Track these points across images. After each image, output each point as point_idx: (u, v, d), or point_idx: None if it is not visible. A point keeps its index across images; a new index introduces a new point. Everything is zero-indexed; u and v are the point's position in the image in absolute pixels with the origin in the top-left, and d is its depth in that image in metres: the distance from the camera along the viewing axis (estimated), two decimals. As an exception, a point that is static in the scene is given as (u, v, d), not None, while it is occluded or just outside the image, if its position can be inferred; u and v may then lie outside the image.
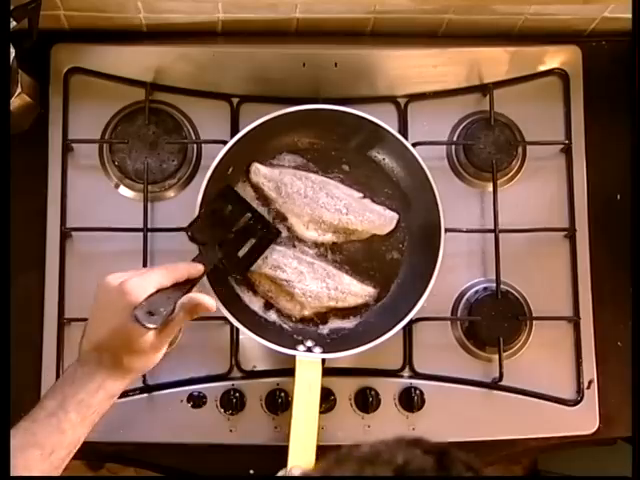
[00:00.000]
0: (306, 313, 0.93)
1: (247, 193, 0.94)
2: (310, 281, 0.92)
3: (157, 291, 0.73)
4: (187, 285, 0.77)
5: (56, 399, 0.72)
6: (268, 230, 0.91)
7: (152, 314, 0.71)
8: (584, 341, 0.96)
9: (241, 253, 0.89)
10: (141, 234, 0.94)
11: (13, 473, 0.66)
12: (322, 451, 0.82)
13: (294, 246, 0.94)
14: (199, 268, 0.79)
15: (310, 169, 0.95)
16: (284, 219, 0.94)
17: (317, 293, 0.92)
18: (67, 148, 0.96)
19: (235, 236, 0.88)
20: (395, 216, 0.94)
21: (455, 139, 0.99)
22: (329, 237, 0.94)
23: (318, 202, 0.92)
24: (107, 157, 0.97)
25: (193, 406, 0.92)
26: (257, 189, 0.94)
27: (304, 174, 0.94)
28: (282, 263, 0.91)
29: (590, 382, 0.96)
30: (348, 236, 0.94)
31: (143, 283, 0.72)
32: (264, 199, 0.94)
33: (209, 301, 0.76)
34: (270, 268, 0.91)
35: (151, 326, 0.70)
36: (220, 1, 0.93)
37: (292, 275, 0.91)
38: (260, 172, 0.93)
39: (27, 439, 0.69)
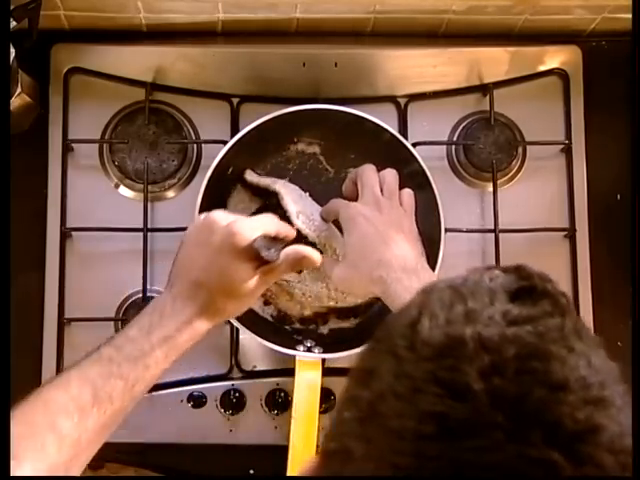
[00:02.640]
0: (306, 313, 0.93)
1: (245, 196, 0.94)
2: (310, 281, 0.92)
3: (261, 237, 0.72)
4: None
5: (143, 332, 0.70)
6: None
7: (269, 249, 0.70)
8: (584, 341, 0.96)
9: None
10: (141, 234, 0.94)
11: (96, 401, 0.66)
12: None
13: None
14: (292, 231, 0.78)
15: (310, 170, 0.95)
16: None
17: (317, 293, 0.92)
18: (67, 148, 0.96)
19: None
20: None
21: (455, 139, 0.99)
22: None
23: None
24: (107, 157, 0.97)
25: (193, 406, 0.92)
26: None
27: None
28: None
29: (590, 382, 0.96)
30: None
31: (252, 225, 0.71)
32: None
33: (316, 255, 0.75)
34: None
35: (273, 257, 0.70)
36: (220, 1, 0.93)
37: (292, 275, 0.91)
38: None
39: (112, 369, 0.68)
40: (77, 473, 0.67)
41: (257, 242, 0.70)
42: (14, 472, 0.60)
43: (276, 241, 0.74)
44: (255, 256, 0.72)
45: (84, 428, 0.65)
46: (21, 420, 0.64)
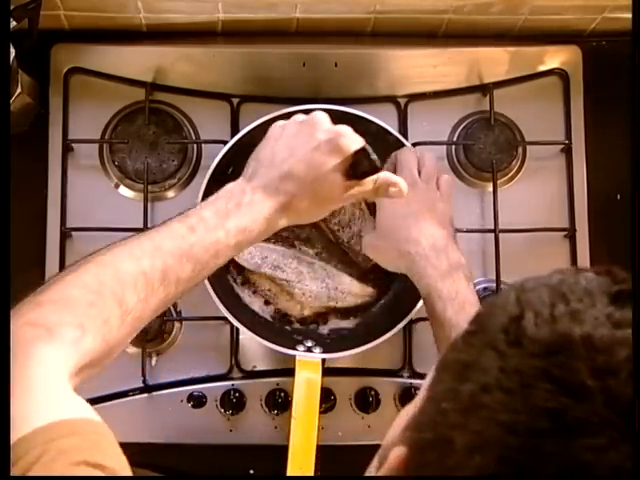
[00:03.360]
0: (306, 313, 0.93)
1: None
2: (310, 281, 0.92)
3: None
4: None
5: (218, 217, 0.67)
6: None
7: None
8: (584, 341, 0.96)
9: None
10: (141, 234, 0.94)
11: (164, 281, 0.63)
12: (322, 451, 0.82)
13: (293, 246, 0.94)
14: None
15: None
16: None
17: (317, 293, 0.92)
18: (67, 148, 0.96)
19: None
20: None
21: (455, 139, 0.99)
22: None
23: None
24: (107, 157, 0.97)
25: (193, 406, 0.92)
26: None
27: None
28: (281, 263, 0.91)
29: (590, 382, 0.96)
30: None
31: (356, 136, 0.71)
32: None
33: (404, 186, 0.73)
34: (269, 268, 0.91)
35: (377, 162, 0.70)
36: (220, 1, 0.93)
37: (292, 275, 0.91)
38: None
39: (183, 249, 0.65)
40: (118, 352, 0.63)
41: (362, 152, 0.69)
42: (78, 341, 0.56)
43: (372, 161, 0.73)
44: (349, 167, 0.71)
45: (147, 306, 0.62)
46: (89, 284, 0.60)
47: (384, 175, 0.73)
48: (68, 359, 0.55)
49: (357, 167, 0.71)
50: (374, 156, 0.72)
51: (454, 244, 0.83)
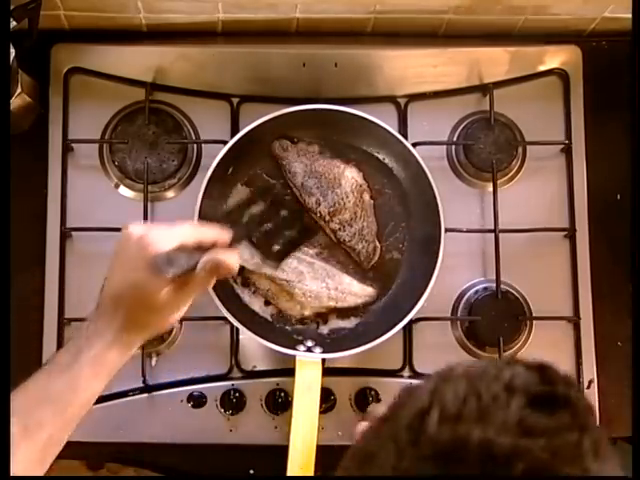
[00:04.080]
0: (306, 313, 0.93)
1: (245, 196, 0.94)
2: (310, 281, 0.92)
3: (180, 247, 0.69)
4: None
5: (70, 353, 0.69)
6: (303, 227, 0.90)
7: (171, 265, 0.67)
8: (584, 341, 0.96)
9: (275, 248, 0.87)
10: (141, 234, 0.94)
11: (26, 433, 0.64)
12: (322, 451, 0.82)
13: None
14: (226, 237, 0.73)
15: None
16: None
17: (317, 293, 0.92)
18: (67, 148, 0.96)
19: (268, 232, 0.86)
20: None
21: (455, 139, 0.99)
22: None
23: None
24: (107, 157, 0.97)
25: (193, 406, 0.92)
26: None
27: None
28: (282, 263, 0.91)
29: (590, 382, 0.96)
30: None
31: (166, 236, 0.69)
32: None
33: (232, 260, 0.71)
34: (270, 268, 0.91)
35: (169, 274, 0.67)
36: (220, 1, 0.93)
37: (292, 275, 0.91)
38: None
39: (40, 394, 0.67)
40: None
41: (158, 258, 0.67)
42: None
43: (202, 250, 0.71)
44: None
45: (15, 460, 0.63)
46: None
47: (208, 257, 0.70)
48: None
49: (175, 265, 0.68)
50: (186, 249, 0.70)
51: None
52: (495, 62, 1.00)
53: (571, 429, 0.38)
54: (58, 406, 0.67)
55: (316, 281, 0.92)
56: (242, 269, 0.93)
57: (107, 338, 0.70)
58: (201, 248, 0.71)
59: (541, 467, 0.36)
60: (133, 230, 0.71)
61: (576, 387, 0.41)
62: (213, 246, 0.71)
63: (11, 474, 0.62)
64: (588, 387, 0.96)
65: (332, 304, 0.93)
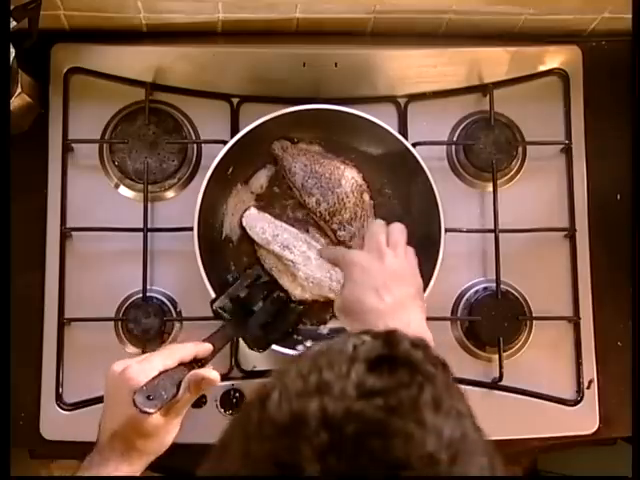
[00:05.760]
0: (307, 296, 0.93)
1: (246, 197, 0.95)
2: (315, 268, 0.92)
3: (162, 372, 0.72)
4: (196, 364, 0.76)
5: None
6: (288, 308, 0.92)
7: (152, 398, 0.70)
8: (584, 341, 0.96)
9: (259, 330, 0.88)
10: (141, 234, 0.94)
11: None
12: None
13: (307, 231, 0.95)
14: (207, 348, 0.77)
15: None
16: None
17: (319, 281, 0.92)
18: (67, 148, 0.96)
19: (257, 312, 0.88)
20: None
21: (455, 139, 0.99)
22: None
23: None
24: (107, 157, 0.97)
25: (193, 406, 0.92)
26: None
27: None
28: (291, 244, 0.92)
29: (590, 382, 0.96)
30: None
31: (145, 367, 0.72)
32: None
33: (213, 374, 0.74)
34: (279, 246, 0.92)
35: (150, 410, 0.69)
36: (220, 1, 0.93)
37: (299, 257, 0.92)
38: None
39: None
40: None
41: (136, 396, 0.69)
42: None
43: (185, 367, 0.74)
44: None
45: None
46: None
47: (191, 375, 0.73)
48: None
49: (156, 398, 0.70)
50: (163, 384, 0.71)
51: (420, 304, 0.80)
52: (495, 62, 1.00)
53: (408, 386, 0.39)
54: None
55: (321, 269, 0.92)
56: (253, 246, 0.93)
57: (108, 470, 0.72)
58: (184, 364, 0.74)
59: (374, 424, 0.37)
60: (116, 367, 0.73)
61: (424, 349, 0.42)
62: (195, 360, 0.76)
63: None
64: (588, 387, 0.96)
65: (331, 296, 0.92)
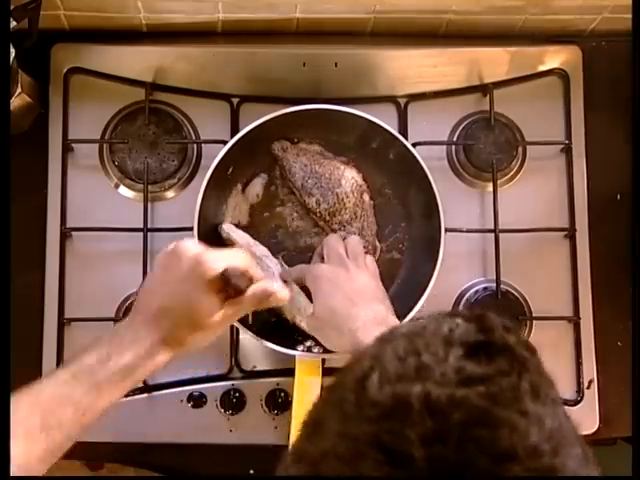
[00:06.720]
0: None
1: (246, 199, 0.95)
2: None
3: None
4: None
5: (97, 358, 0.68)
6: None
7: (228, 284, 0.69)
8: (584, 341, 0.96)
9: None
10: (141, 234, 0.94)
11: (45, 429, 0.64)
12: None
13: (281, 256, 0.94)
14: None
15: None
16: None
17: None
18: (67, 148, 0.96)
19: None
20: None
21: (455, 139, 0.99)
22: None
23: None
24: (107, 157, 0.97)
25: (193, 406, 0.92)
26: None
27: None
28: (265, 257, 0.91)
29: (590, 382, 0.96)
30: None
31: (221, 257, 0.70)
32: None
33: (283, 294, 0.74)
34: (258, 254, 0.91)
35: (242, 286, 0.69)
36: (220, 1, 0.93)
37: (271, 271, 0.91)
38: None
39: (64, 394, 0.67)
40: None
41: (228, 271, 0.69)
42: None
43: (243, 277, 0.72)
44: (220, 289, 0.70)
45: (30, 453, 0.64)
46: None
47: (261, 287, 0.73)
48: None
49: (228, 287, 0.70)
50: (240, 273, 0.71)
51: (393, 316, 0.82)
52: (495, 62, 1.00)
53: (509, 373, 0.38)
54: (79, 409, 0.67)
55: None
56: None
57: (141, 350, 0.70)
58: (244, 276, 0.72)
59: (479, 413, 0.36)
60: (187, 247, 0.72)
61: (515, 332, 0.42)
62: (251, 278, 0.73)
63: (17, 465, 0.62)
64: (588, 387, 0.96)
65: (297, 321, 0.92)
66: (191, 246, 0.72)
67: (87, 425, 0.68)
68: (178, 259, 0.71)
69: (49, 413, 0.65)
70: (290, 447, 0.43)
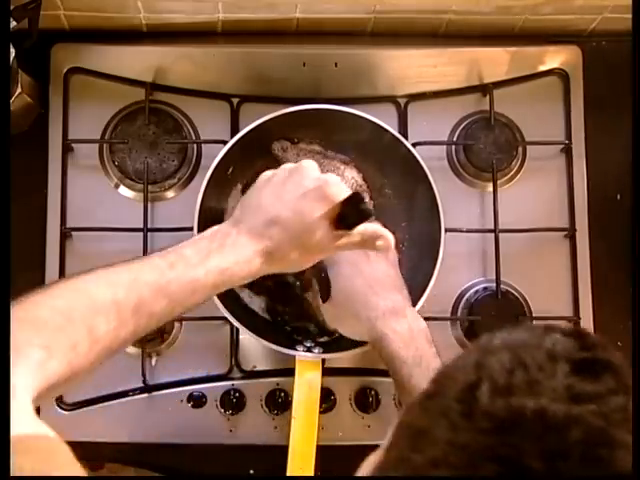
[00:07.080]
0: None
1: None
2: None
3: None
4: None
5: (200, 255, 0.66)
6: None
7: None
8: (584, 341, 0.96)
9: None
10: (141, 234, 0.94)
11: (134, 314, 0.61)
12: (322, 451, 0.82)
13: None
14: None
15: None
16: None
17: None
18: (67, 148, 0.96)
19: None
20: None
21: (455, 139, 0.99)
22: None
23: None
24: (107, 157, 0.97)
25: (193, 406, 0.92)
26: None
27: None
28: None
29: (590, 382, 0.96)
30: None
31: (343, 186, 0.70)
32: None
33: (391, 238, 0.73)
34: None
35: (370, 210, 0.68)
36: (220, 1, 0.93)
37: None
38: None
39: (161, 284, 0.63)
40: (83, 379, 0.61)
41: (352, 200, 0.68)
42: (43, 363, 0.54)
43: (361, 212, 0.70)
44: (333, 217, 0.69)
45: (117, 336, 0.61)
46: (60, 307, 0.59)
47: (372, 228, 0.72)
48: (31, 380, 0.53)
49: (345, 217, 0.69)
50: (364, 205, 0.70)
51: (411, 307, 0.82)
52: (495, 62, 1.01)
53: (617, 393, 0.38)
54: (170, 303, 0.64)
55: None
56: None
57: (243, 256, 0.68)
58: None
59: (596, 433, 0.36)
60: (313, 166, 0.72)
61: (614, 351, 0.42)
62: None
63: (111, 350, 0.60)
64: (588, 387, 0.96)
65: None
66: (314, 168, 0.72)
67: (170, 321, 0.67)
68: (302, 177, 0.70)
69: (143, 301, 0.62)
70: (385, 458, 0.43)
